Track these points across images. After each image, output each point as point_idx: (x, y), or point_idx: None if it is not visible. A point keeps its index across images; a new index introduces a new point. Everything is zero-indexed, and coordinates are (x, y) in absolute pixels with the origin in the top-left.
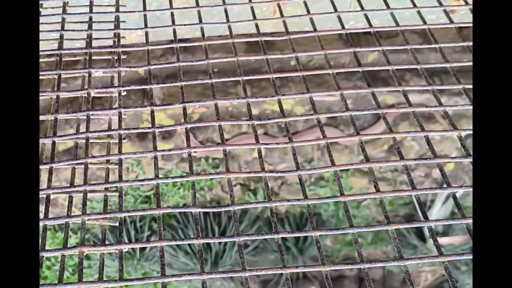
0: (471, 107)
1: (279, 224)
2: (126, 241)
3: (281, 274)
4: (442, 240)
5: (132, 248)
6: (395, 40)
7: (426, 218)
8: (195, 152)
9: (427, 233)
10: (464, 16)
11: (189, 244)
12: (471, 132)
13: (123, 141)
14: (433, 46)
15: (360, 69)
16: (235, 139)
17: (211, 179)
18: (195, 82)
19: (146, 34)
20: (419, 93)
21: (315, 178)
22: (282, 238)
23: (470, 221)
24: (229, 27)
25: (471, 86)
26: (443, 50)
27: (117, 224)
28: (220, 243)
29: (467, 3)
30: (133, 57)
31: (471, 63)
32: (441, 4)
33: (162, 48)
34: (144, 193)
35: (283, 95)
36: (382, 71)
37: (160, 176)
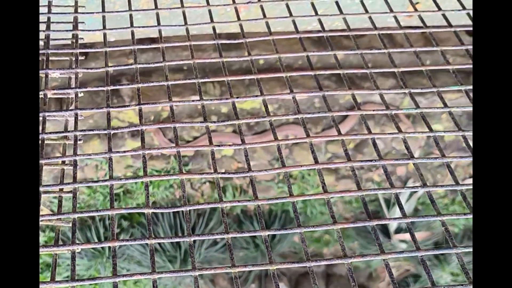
0: (415, 110)
1: (248, 222)
2: (95, 239)
3: (250, 271)
4: (406, 236)
5: (102, 247)
6: (361, 40)
7: (370, 218)
8: (165, 151)
9: (391, 230)
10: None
11: (159, 244)
12: (420, 134)
13: (79, 142)
14: (382, 51)
15: (312, 73)
16: (203, 138)
17: None
18: (151, 84)
19: (104, 35)
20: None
21: (283, 175)
22: (251, 236)
23: (410, 220)
24: (187, 30)
25: (416, 90)
26: (408, 53)
27: (70, 225)
28: None
29: (416, 10)
30: (101, 54)
31: (421, 68)
32: (391, 11)
33: (129, 43)
34: (114, 190)
35: (237, 97)
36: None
37: (129, 174)
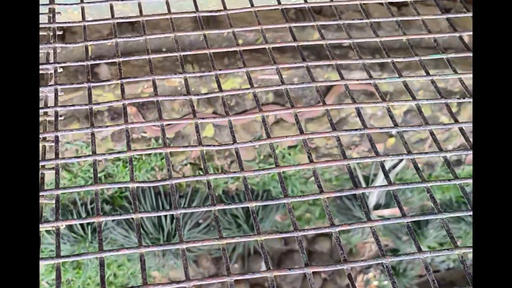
0: (398, 79)
1: (230, 201)
2: (77, 225)
3: (233, 251)
4: (384, 212)
5: (84, 231)
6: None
7: (356, 186)
8: (144, 132)
9: (370, 206)
10: None
11: (142, 226)
12: (403, 103)
13: (60, 118)
14: (364, 21)
15: (295, 44)
16: (183, 119)
17: (162, 159)
18: (133, 58)
19: (82, 9)
20: (361, 70)
21: (263, 155)
22: (234, 215)
23: (395, 187)
24: (167, 3)
25: (399, 59)
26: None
27: (53, 201)
28: (171, 222)
29: None
30: (79, 37)
31: (402, 37)
32: None
33: (109, 26)
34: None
35: (220, 69)
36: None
37: (110, 158)
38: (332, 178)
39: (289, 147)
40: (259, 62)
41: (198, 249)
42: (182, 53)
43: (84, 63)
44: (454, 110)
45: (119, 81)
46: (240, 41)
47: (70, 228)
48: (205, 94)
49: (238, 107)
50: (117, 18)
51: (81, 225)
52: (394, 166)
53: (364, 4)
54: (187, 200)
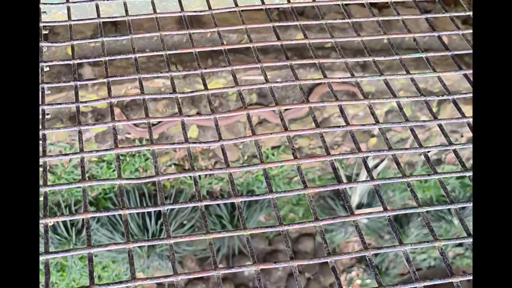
0: (379, 77)
1: (215, 204)
2: (62, 227)
3: (218, 251)
4: (367, 211)
5: (68, 233)
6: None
7: (339, 182)
8: (128, 133)
9: (353, 205)
10: None
11: (126, 227)
12: (384, 100)
13: (46, 116)
14: (346, 21)
15: (279, 43)
16: (167, 121)
17: (146, 160)
18: (118, 57)
19: (68, 9)
20: (344, 71)
21: (247, 156)
22: (218, 216)
23: (377, 182)
24: (152, 3)
25: (380, 58)
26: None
27: (41, 198)
28: (156, 223)
29: None
30: (62, 37)
31: (383, 36)
32: None
33: (92, 28)
34: (79, 176)
35: (205, 68)
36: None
37: (94, 159)
38: (315, 178)
39: (273, 148)
40: (244, 63)
41: (183, 250)
42: (168, 52)
43: (71, 62)
44: (434, 110)
45: (105, 80)
46: (224, 42)
47: (54, 230)
48: (191, 92)
49: (222, 107)
50: (103, 17)
51: (65, 227)
52: (376, 166)
53: (346, 4)
54: (171, 200)
